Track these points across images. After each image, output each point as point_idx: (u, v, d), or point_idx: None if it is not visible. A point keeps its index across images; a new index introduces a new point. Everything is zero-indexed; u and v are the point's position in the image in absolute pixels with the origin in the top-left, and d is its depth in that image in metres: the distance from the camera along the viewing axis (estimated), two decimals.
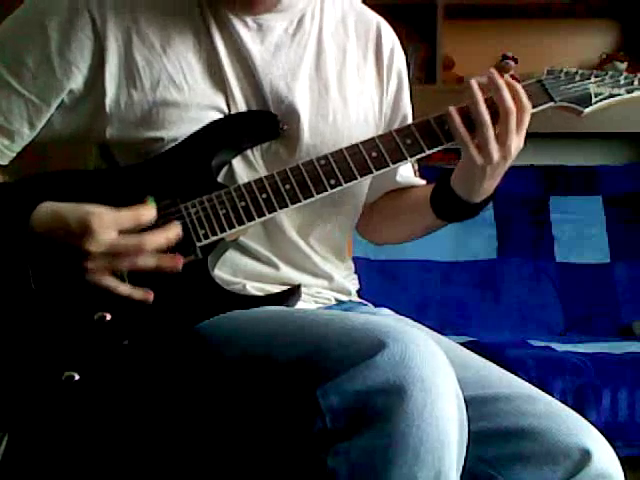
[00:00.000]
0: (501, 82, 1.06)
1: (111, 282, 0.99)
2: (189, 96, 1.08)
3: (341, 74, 1.19)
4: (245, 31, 1.12)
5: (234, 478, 0.99)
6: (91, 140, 1.13)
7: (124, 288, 0.99)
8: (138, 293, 1.00)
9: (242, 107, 1.11)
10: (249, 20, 1.12)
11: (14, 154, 1.12)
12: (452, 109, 1.07)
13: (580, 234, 2.50)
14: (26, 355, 1.00)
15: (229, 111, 1.10)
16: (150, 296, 1.00)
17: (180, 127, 1.08)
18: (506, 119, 1.04)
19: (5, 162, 1.12)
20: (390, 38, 1.27)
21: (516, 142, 1.06)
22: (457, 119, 1.06)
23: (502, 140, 1.05)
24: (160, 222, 1.01)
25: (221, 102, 1.10)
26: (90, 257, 0.96)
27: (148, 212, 0.99)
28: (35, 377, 0.99)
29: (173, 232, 1.00)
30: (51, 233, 0.97)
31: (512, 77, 3.24)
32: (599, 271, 2.45)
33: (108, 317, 1.00)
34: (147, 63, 1.08)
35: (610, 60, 2.76)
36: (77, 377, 0.98)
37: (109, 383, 0.99)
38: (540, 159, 2.62)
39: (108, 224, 0.95)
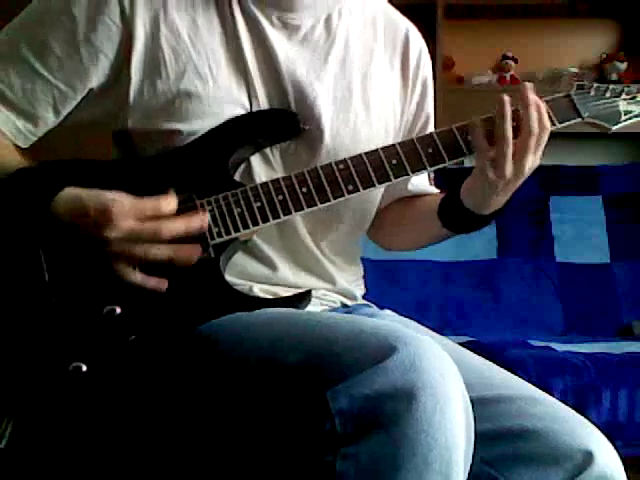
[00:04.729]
0: (533, 99, 1.04)
1: (125, 270, 0.98)
2: (212, 89, 1.07)
3: (366, 77, 1.18)
4: (271, 27, 1.11)
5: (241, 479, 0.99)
6: (115, 126, 1.12)
7: (137, 276, 0.99)
8: (151, 282, 0.99)
9: (264, 103, 1.10)
10: (274, 18, 1.11)
11: (36, 138, 1.11)
12: (477, 120, 1.05)
13: (580, 234, 2.49)
14: (35, 343, 0.99)
15: (251, 107, 1.09)
16: (164, 285, 0.99)
17: (200, 121, 1.07)
18: (528, 138, 1.03)
19: (26, 145, 1.11)
20: (418, 45, 1.26)
21: (531, 161, 1.04)
22: (481, 131, 1.04)
23: (518, 157, 1.03)
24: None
25: (243, 97, 1.09)
26: (108, 243, 0.95)
27: (169, 203, 0.98)
28: (42, 366, 0.99)
29: (195, 222, 0.99)
30: (71, 218, 0.96)
31: (512, 77, 3.23)
32: (599, 271, 2.44)
33: (118, 310, 1.00)
34: (173, 53, 1.07)
35: (610, 60, 2.75)
36: (85, 368, 0.98)
37: (115, 376, 0.99)
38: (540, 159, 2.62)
39: (128, 211, 0.95)
